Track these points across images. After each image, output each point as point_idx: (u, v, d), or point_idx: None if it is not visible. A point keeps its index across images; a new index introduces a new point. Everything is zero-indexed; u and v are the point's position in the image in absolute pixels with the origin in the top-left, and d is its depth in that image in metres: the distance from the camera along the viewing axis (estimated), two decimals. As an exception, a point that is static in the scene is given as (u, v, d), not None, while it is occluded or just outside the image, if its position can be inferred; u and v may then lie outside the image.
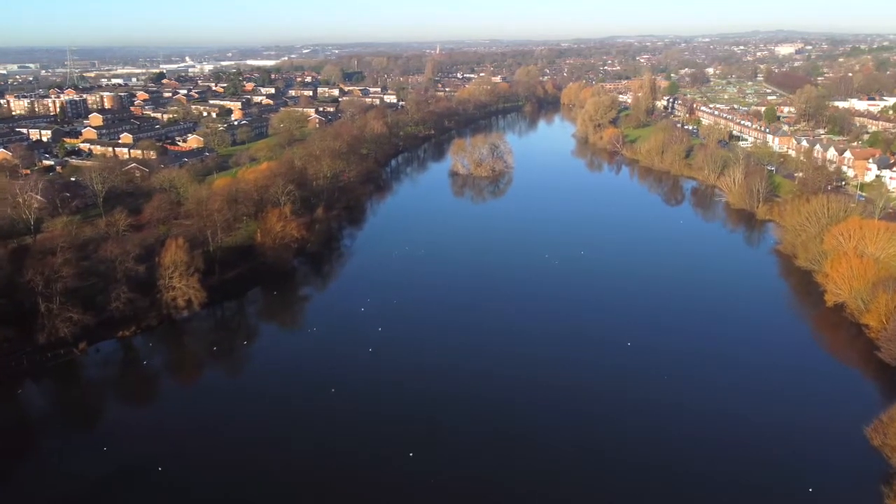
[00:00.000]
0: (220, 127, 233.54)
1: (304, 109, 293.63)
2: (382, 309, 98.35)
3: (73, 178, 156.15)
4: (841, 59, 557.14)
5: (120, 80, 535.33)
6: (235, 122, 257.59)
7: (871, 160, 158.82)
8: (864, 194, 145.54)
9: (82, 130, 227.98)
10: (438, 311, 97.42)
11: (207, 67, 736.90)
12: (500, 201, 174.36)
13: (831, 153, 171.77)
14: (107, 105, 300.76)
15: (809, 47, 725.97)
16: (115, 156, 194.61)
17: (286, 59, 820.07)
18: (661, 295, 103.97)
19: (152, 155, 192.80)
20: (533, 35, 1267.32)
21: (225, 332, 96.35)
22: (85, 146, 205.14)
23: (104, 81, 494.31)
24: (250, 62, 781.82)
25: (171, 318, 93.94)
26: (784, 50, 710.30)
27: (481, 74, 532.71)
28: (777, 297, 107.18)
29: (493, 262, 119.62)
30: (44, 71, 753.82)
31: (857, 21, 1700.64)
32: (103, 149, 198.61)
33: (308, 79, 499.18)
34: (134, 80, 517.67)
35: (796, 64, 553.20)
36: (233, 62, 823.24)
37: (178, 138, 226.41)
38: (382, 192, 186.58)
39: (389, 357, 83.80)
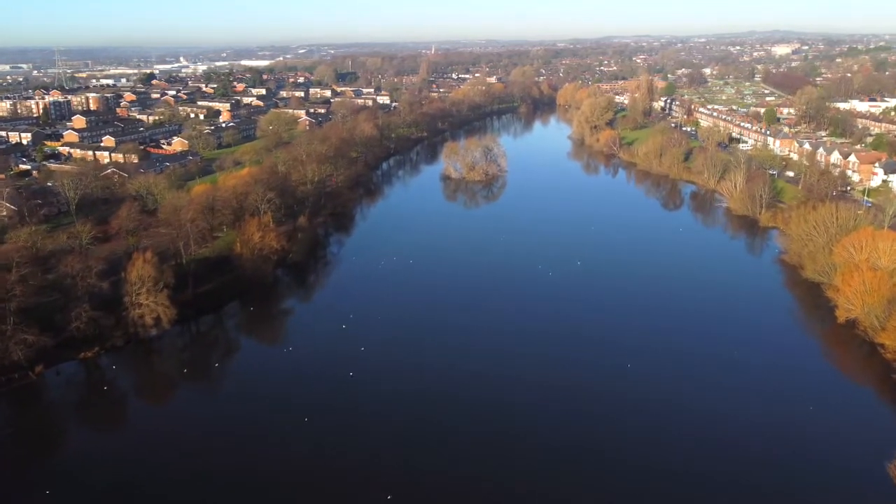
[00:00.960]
0: (207, 129, 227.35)
1: (295, 111, 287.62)
2: (366, 326, 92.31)
3: (48, 184, 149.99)
4: (838, 60, 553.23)
5: (111, 81, 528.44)
6: (223, 125, 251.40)
7: (877, 164, 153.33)
8: (870, 200, 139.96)
9: (64, 133, 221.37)
10: (426, 330, 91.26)
11: (201, 68, 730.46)
12: (493, 207, 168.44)
13: (835, 157, 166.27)
14: (92, 107, 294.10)
15: (806, 47, 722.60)
16: (96, 160, 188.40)
17: (280, 59, 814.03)
18: (661, 311, 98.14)
19: (134, 159, 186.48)
20: (529, 35, 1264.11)
21: (197, 352, 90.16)
22: (65, 150, 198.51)
23: (94, 82, 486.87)
24: (244, 62, 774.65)
25: (138, 337, 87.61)
26: (781, 50, 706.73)
27: (476, 75, 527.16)
28: (784, 312, 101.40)
29: (485, 273, 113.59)
30: (36, 71, 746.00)
31: (852, 21, 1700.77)
32: (83, 152, 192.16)
33: (301, 79, 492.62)
34: (124, 80, 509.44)
35: (794, 64, 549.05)
36: (227, 62, 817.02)
37: (162, 141, 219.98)
38: (372, 197, 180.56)
39: (371, 381, 77.72)
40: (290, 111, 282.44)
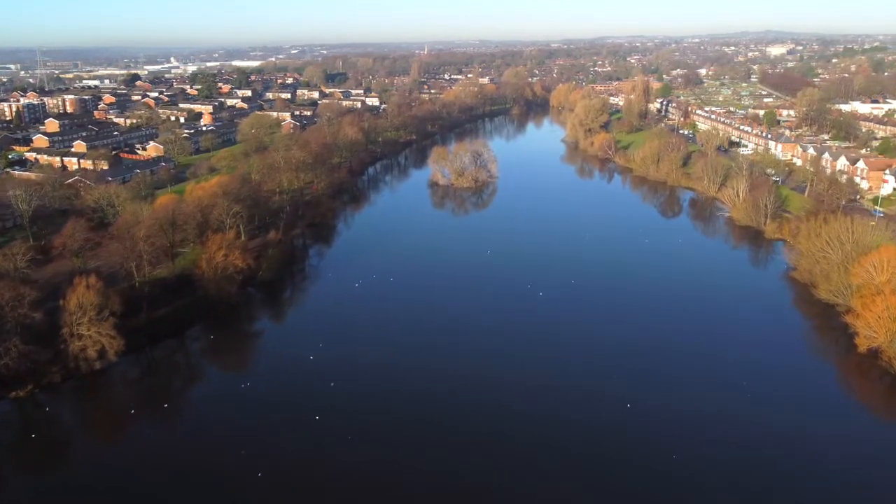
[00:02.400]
0: (184, 134, 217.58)
1: (279, 113, 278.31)
2: (337, 356, 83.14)
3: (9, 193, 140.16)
4: (835, 60, 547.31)
5: (97, 82, 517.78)
6: (204, 128, 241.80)
7: (887, 171, 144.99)
8: (881, 210, 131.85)
9: (34, 137, 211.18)
10: (402, 362, 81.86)
11: (191, 68, 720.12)
12: (481, 216, 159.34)
13: (842, 162, 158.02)
14: (69, 109, 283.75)
15: (800, 48, 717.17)
16: (64, 166, 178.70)
17: (272, 59, 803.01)
18: (661, 334, 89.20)
19: (104, 165, 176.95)
20: (523, 35, 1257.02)
21: (146, 386, 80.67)
22: (32, 155, 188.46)
23: (77, 83, 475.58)
24: (236, 63, 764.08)
25: (80, 371, 78.25)
26: (776, 50, 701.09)
27: (469, 76, 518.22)
28: (796, 336, 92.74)
29: (470, 293, 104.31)
30: (23, 72, 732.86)
31: (846, 22, 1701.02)
32: (51, 158, 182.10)
33: (290, 80, 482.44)
34: (107, 81, 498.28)
35: (790, 65, 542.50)
36: (218, 63, 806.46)
37: (138, 146, 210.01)
38: (356, 205, 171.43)
39: (339, 426, 68.51)
40: (275, 114, 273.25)
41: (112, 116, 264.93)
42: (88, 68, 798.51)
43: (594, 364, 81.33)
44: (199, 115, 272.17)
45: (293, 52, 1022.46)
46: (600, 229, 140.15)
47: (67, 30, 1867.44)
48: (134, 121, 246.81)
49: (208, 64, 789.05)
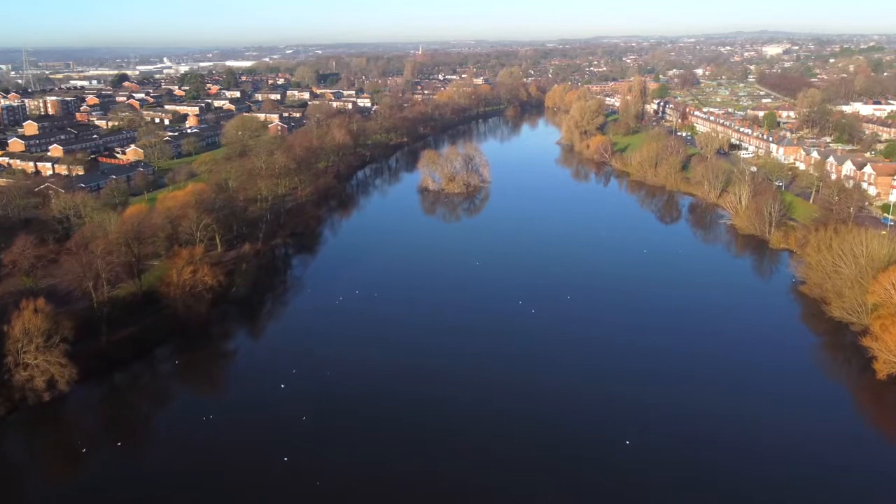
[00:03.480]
0: (167, 136, 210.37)
1: (267, 115, 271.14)
2: (311, 385, 76.19)
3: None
4: (832, 60, 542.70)
5: (86, 82, 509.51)
6: (188, 130, 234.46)
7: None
8: (891, 218, 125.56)
9: (9, 141, 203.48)
10: (383, 393, 74.94)
11: (183, 68, 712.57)
12: (472, 224, 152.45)
13: (847, 167, 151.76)
14: (50, 111, 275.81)
15: (796, 47, 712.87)
16: (37, 171, 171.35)
17: (266, 59, 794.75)
18: (662, 353, 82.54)
19: (79, 170, 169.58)
20: (519, 35, 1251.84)
21: (100, 420, 73.65)
22: (4, 160, 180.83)
23: (63, 85, 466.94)
24: (229, 63, 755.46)
25: (27, 403, 71.15)
26: (772, 50, 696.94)
27: (463, 76, 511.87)
28: (806, 357, 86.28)
29: (458, 309, 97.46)
30: (13, 73, 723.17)
31: (841, 22, 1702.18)
32: (24, 164, 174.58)
33: (281, 81, 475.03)
34: (94, 82, 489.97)
35: (786, 65, 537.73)
36: (211, 63, 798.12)
37: (118, 150, 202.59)
38: (342, 212, 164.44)
39: (310, 469, 61.56)
40: (262, 115, 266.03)
41: (94, 118, 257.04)
42: (80, 69, 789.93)
43: (589, 392, 74.55)
44: (185, 117, 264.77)
45: (288, 52, 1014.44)
46: (596, 239, 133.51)
47: (63, 30, 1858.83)
48: (115, 123, 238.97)
49: (201, 64, 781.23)
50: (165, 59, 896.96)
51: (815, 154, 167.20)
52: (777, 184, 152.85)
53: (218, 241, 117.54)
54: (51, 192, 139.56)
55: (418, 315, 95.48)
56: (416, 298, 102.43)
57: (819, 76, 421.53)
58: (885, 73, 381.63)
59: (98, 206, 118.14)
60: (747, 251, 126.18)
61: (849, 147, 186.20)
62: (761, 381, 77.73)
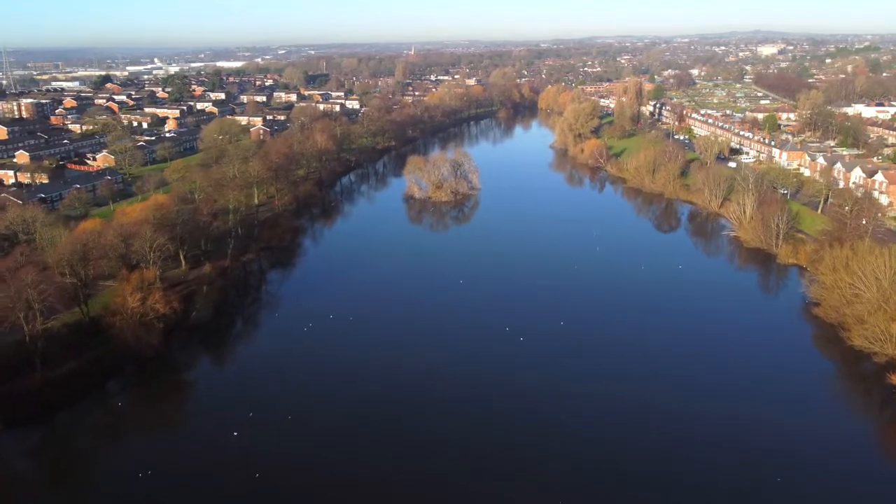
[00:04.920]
0: (142, 141, 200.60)
1: (251, 118, 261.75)
2: (268, 433, 66.97)
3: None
4: (829, 60, 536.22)
5: (72, 83, 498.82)
6: (166, 134, 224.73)
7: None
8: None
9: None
10: (348, 445, 65.95)
11: (173, 69, 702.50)
12: (459, 236, 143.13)
13: (856, 174, 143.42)
14: (24, 114, 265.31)
15: (791, 47, 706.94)
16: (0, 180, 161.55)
17: (259, 60, 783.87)
18: (663, 386, 73.73)
19: (43, 178, 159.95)
20: (512, 36, 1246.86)
21: (18, 477, 64.18)
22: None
23: (47, 86, 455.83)
24: (221, 64, 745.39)
25: (-61, 457, 61.94)
26: (767, 50, 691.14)
27: (456, 77, 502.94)
28: (823, 390, 77.67)
29: (440, 336, 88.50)
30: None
31: (835, 21, 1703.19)
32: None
33: (269, 82, 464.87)
34: (76, 83, 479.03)
35: (782, 65, 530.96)
36: (202, 63, 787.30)
37: (88, 156, 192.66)
38: (324, 221, 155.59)
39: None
40: (245, 118, 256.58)
41: (69, 122, 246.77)
42: (69, 69, 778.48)
43: (583, 434, 65.73)
44: (164, 121, 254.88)
45: (281, 52, 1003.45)
46: (591, 255, 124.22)
47: (58, 30, 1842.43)
48: (89, 127, 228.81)
49: (192, 65, 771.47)
50: (156, 60, 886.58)
51: (821, 160, 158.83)
52: (782, 191, 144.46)
53: (182, 258, 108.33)
54: (9, 203, 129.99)
55: (393, 344, 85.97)
56: (393, 323, 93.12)
57: (816, 76, 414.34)
58: (885, 74, 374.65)
59: (51, 220, 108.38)
60: (753, 267, 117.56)
61: (854, 151, 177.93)
62: (773, 413, 69.40)
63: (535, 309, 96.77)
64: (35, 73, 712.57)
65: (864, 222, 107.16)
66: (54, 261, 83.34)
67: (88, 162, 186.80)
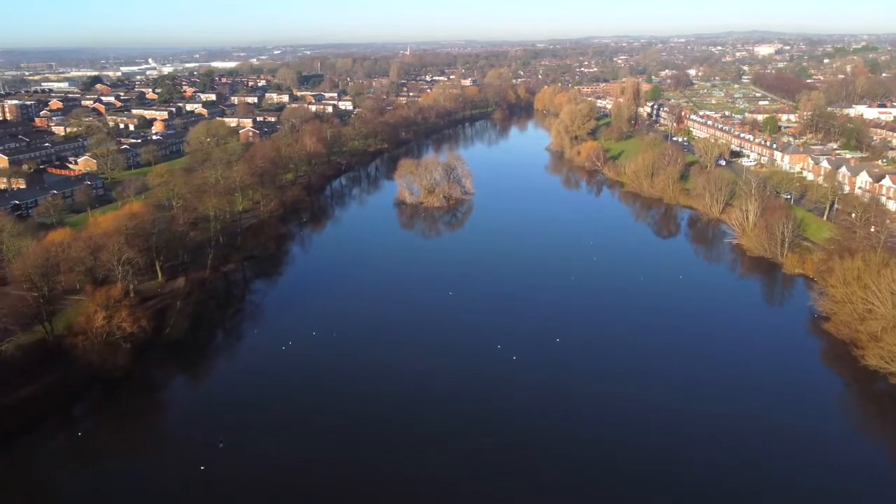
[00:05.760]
0: (126, 145, 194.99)
1: (241, 119, 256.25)
2: (240, 465, 61.68)
3: None
4: (826, 60, 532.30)
5: (63, 84, 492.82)
6: (152, 136, 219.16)
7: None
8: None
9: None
10: (329, 469, 60.77)
11: (167, 69, 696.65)
12: (451, 244, 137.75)
13: (862, 179, 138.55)
14: (8, 116, 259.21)
15: (788, 47, 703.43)
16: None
17: (254, 60, 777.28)
18: (664, 411, 68.68)
19: (20, 184, 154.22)
20: (509, 36, 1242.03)
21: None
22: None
23: (37, 87, 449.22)
24: (216, 64, 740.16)
25: None
26: (764, 50, 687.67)
27: (451, 77, 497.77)
28: (835, 411, 72.75)
29: (428, 355, 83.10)
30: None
31: (830, 21, 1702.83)
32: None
33: (262, 82, 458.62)
34: (65, 84, 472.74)
35: (780, 65, 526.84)
36: (197, 64, 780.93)
37: (70, 159, 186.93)
38: (313, 228, 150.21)
39: None
40: (235, 120, 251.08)
41: (53, 124, 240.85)
42: (62, 70, 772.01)
43: (579, 461, 60.55)
44: (151, 122, 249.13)
45: (276, 52, 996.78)
46: (588, 264, 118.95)
47: (55, 30, 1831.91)
48: (73, 129, 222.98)
49: (187, 65, 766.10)
50: (150, 60, 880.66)
51: (824, 163, 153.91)
52: (785, 196, 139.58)
53: (158, 269, 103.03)
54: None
55: (378, 365, 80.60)
56: (379, 339, 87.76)
57: (815, 77, 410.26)
58: (885, 74, 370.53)
59: (19, 230, 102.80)
60: (757, 276, 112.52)
61: (858, 154, 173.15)
62: (782, 437, 64.51)
63: (529, 324, 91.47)
64: (28, 73, 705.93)
65: (872, 230, 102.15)
66: (16, 275, 77.77)
67: (70, 166, 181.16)
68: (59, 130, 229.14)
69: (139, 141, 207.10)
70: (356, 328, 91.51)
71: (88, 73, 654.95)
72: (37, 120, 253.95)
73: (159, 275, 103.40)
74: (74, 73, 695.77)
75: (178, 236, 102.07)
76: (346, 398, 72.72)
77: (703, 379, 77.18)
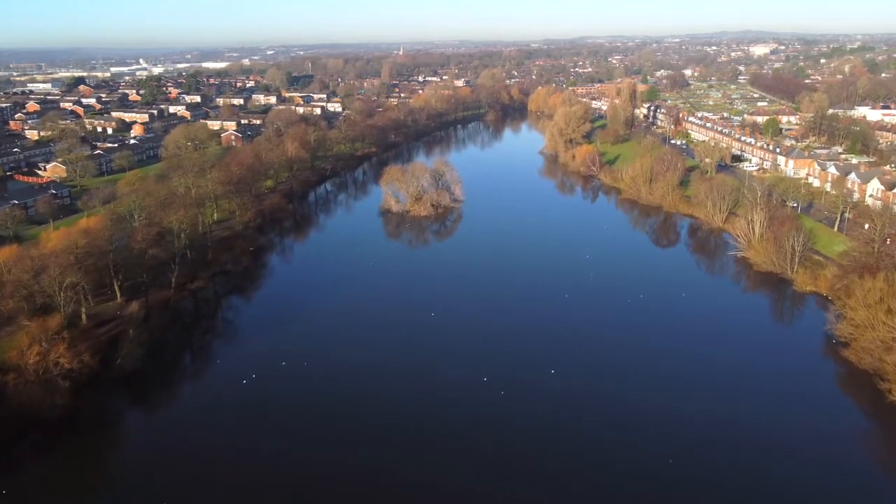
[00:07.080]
0: (101, 149, 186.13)
1: (225, 122, 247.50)
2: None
3: None
4: (823, 60, 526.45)
5: (48, 85, 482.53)
6: (130, 140, 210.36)
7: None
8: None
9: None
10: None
11: (157, 70, 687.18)
12: (438, 257, 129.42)
13: (874, 186, 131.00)
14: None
15: (783, 47, 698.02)
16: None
17: (245, 61, 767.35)
18: (667, 449, 60.69)
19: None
20: (503, 36, 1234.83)
21: None
22: None
23: (19, 88, 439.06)
24: (208, 64, 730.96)
25: None
26: (759, 50, 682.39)
27: (444, 77, 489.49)
28: (858, 451, 64.85)
29: (407, 389, 74.97)
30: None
31: (825, 21, 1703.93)
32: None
33: (250, 83, 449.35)
34: (49, 85, 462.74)
35: (776, 65, 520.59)
36: (188, 64, 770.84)
37: (41, 165, 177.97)
38: (292, 239, 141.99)
39: None
40: (218, 123, 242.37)
41: (28, 128, 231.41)
42: (51, 70, 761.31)
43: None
44: (130, 126, 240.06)
45: (269, 52, 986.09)
46: (583, 282, 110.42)
47: (47, 30, 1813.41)
48: (46, 134, 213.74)
49: (178, 65, 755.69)
50: (141, 61, 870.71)
51: (832, 169, 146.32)
52: (792, 205, 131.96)
53: (117, 289, 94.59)
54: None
55: (352, 399, 72.59)
56: (356, 372, 79.43)
57: (813, 77, 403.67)
58: (884, 75, 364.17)
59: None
60: (766, 294, 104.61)
61: (864, 159, 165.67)
62: (798, 480, 56.43)
63: (518, 353, 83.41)
64: (16, 74, 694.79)
65: (888, 242, 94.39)
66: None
67: (40, 172, 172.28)
68: (32, 134, 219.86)
69: (115, 145, 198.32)
70: (331, 353, 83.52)
71: (75, 74, 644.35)
72: (11, 123, 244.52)
73: (118, 295, 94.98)
74: (62, 74, 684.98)
75: (137, 253, 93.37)
76: (315, 436, 64.52)
77: (708, 411, 69.15)
